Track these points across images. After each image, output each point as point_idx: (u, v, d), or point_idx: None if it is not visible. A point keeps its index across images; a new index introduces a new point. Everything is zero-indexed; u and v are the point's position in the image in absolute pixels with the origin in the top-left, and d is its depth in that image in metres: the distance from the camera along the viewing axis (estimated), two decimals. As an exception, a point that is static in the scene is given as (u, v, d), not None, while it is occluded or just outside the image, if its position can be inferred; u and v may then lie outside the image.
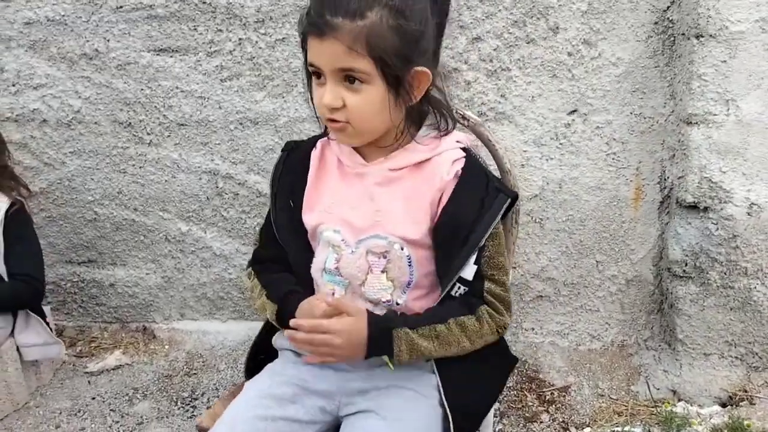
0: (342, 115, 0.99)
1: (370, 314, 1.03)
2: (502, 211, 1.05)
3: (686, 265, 1.81)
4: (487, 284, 1.08)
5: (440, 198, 1.04)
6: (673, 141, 1.84)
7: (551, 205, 1.93)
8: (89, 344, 2.11)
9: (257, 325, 2.14)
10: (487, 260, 1.07)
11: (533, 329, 2.06)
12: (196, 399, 1.88)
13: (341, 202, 1.08)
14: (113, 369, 2.00)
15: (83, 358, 2.06)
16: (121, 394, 1.89)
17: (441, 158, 1.05)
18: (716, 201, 1.74)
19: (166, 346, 2.10)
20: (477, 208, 1.04)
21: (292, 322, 1.01)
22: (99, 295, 2.18)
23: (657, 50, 1.81)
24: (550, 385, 1.91)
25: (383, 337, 1.01)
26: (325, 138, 1.14)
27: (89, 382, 1.95)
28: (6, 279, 1.77)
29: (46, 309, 1.96)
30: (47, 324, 1.88)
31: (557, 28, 1.82)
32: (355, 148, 1.09)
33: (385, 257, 1.06)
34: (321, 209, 1.10)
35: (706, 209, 1.76)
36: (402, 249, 1.05)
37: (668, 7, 1.77)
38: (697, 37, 1.67)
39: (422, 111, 1.08)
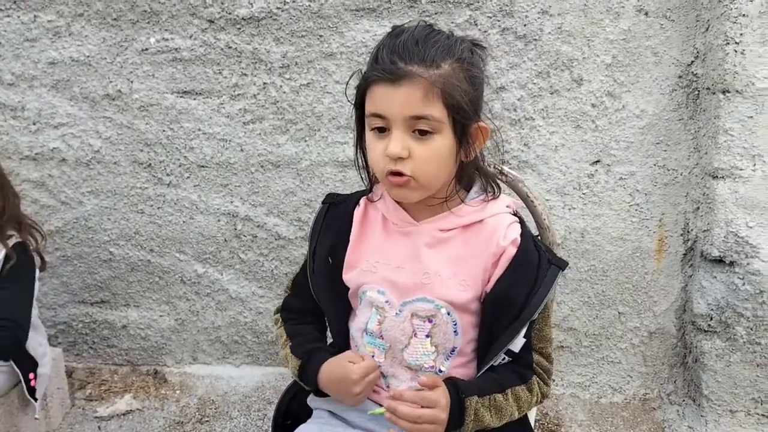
0: (407, 167, 0.95)
1: (448, 382, 0.98)
2: (555, 285, 1.02)
3: (711, 319, 1.79)
4: (536, 357, 1.06)
5: (495, 263, 1.01)
6: (697, 194, 1.83)
7: (573, 255, 1.92)
8: (99, 387, 2.06)
9: (272, 371, 2.14)
10: (537, 333, 1.05)
11: (554, 380, 2.02)
12: (208, 448, 1.83)
13: (386, 261, 1.05)
14: (123, 414, 1.95)
15: (93, 401, 2.01)
16: (131, 442, 1.84)
17: (494, 221, 1.02)
18: (742, 256, 1.72)
19: (178, 391, 2.05)
20: (531, 281, 1.00)
21: (390, 393, 0.94)
22: (110, 336, 2.14)
23: (681, 103, 1.82)
24: (572, 439, 1.86)
25: (457, 406, 0.96)
26: (366, 198, 1.11)
27: (99, 427, 1.90)
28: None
29: (57, 351, 1.92)
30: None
31: (581, 79, 1.83)
32: (402, 206, 1.06)
33: (430, 321, 1.02)
34: (363, 268, 1.06)
35: (732, 264, 1.74)
36: (449, 314, 1.02)
37: (692, 62, 1.79)
38: (724, 92, 1.68)
39: (471, 174, 1.06)
